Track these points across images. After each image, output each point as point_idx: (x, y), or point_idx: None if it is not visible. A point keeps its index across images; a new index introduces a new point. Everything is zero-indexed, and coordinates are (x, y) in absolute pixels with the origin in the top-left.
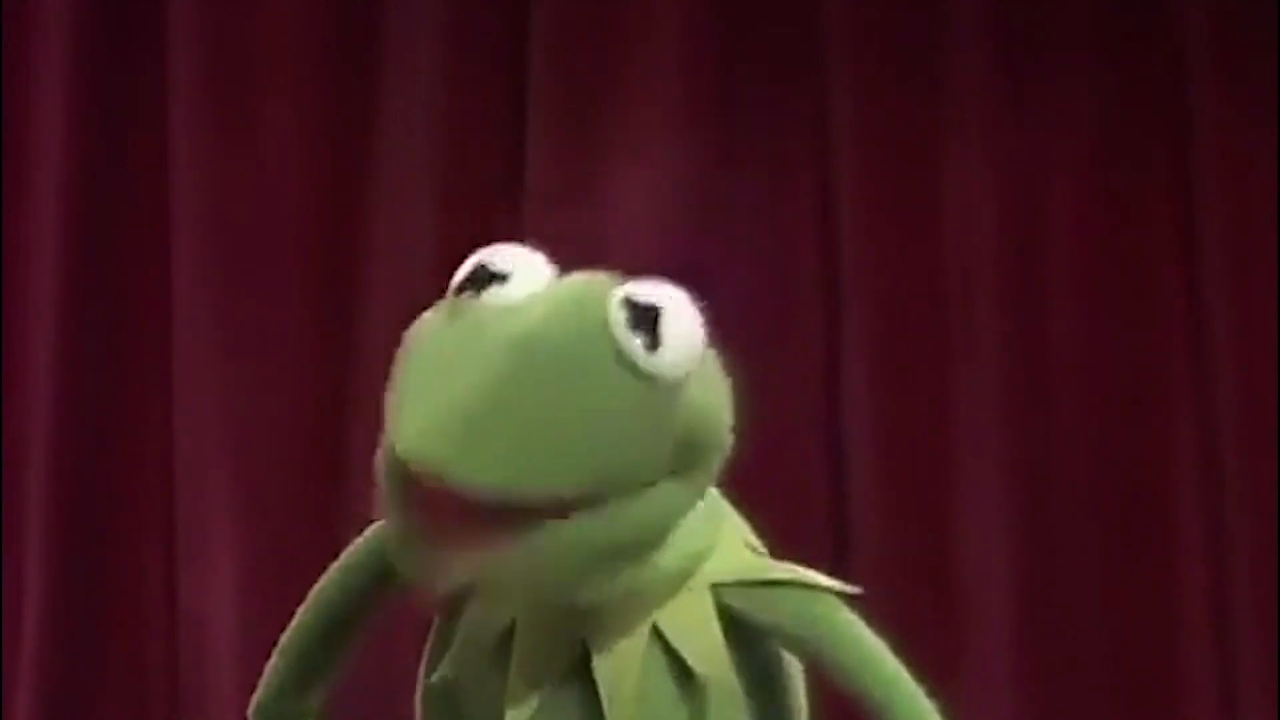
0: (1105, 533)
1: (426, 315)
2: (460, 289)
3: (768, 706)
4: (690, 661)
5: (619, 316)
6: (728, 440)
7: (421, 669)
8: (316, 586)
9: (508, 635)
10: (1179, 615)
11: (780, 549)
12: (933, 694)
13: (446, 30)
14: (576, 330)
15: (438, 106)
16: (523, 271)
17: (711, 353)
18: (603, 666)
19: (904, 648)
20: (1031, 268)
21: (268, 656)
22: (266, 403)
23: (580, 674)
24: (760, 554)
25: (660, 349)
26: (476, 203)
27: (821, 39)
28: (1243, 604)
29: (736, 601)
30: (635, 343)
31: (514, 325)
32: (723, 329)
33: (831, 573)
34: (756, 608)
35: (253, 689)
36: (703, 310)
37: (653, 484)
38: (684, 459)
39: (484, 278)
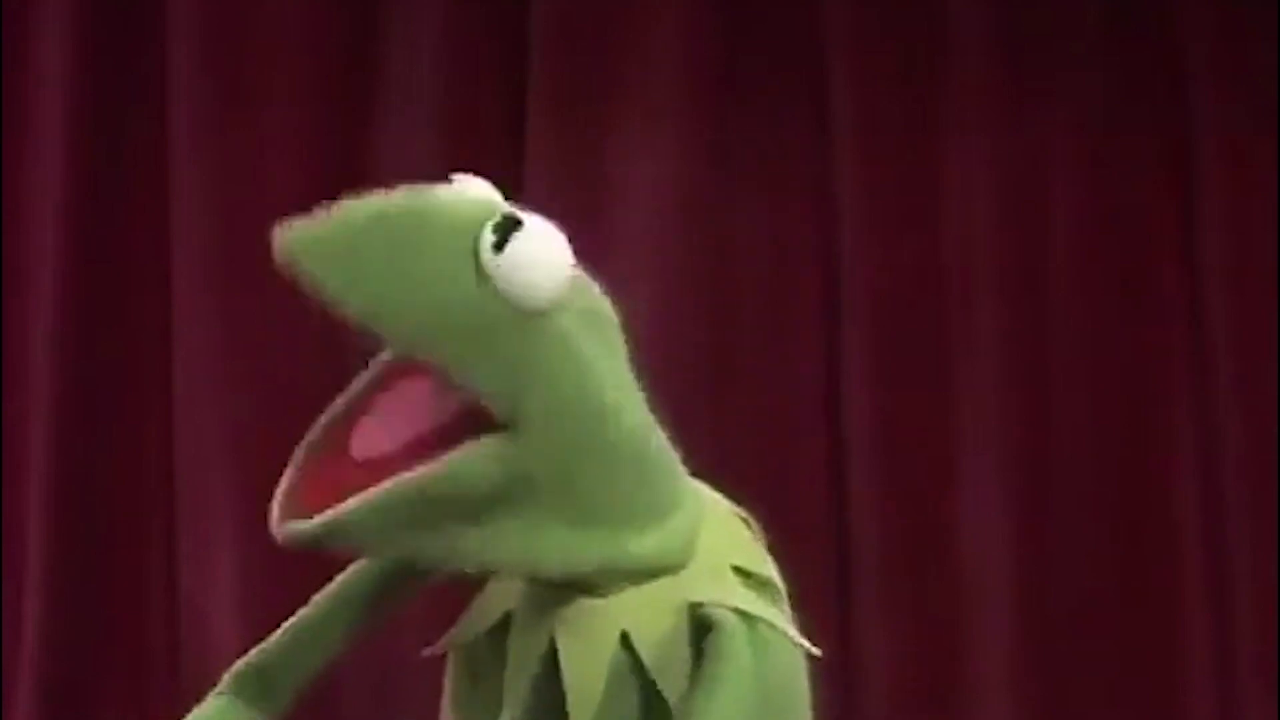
0: (1105, 530)
1: None
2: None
3: None
4: (654, 674)
5: (491, 223)
6: (596, 414)
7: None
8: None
9: (505, 626)
10: (1179, 612)
11: (780, 549)
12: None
13: (446, 30)
14: (457, 211)
15: (438, 106)
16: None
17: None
18: (569, 667)
19: (905, 646)
20: (1032, 266)
21: None
22: (266, 403)
23: (550, 673)
24: (750, 581)
25: (505, 253)
26: None
27: (821, 36)
28: (1243, 599)
29: (707, 619)
30: (488, 239)
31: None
32: (723, 327)
33: (832, 572)
34: (712, 625)
35: None
36: (703, 309)
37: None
38: (521, 409)
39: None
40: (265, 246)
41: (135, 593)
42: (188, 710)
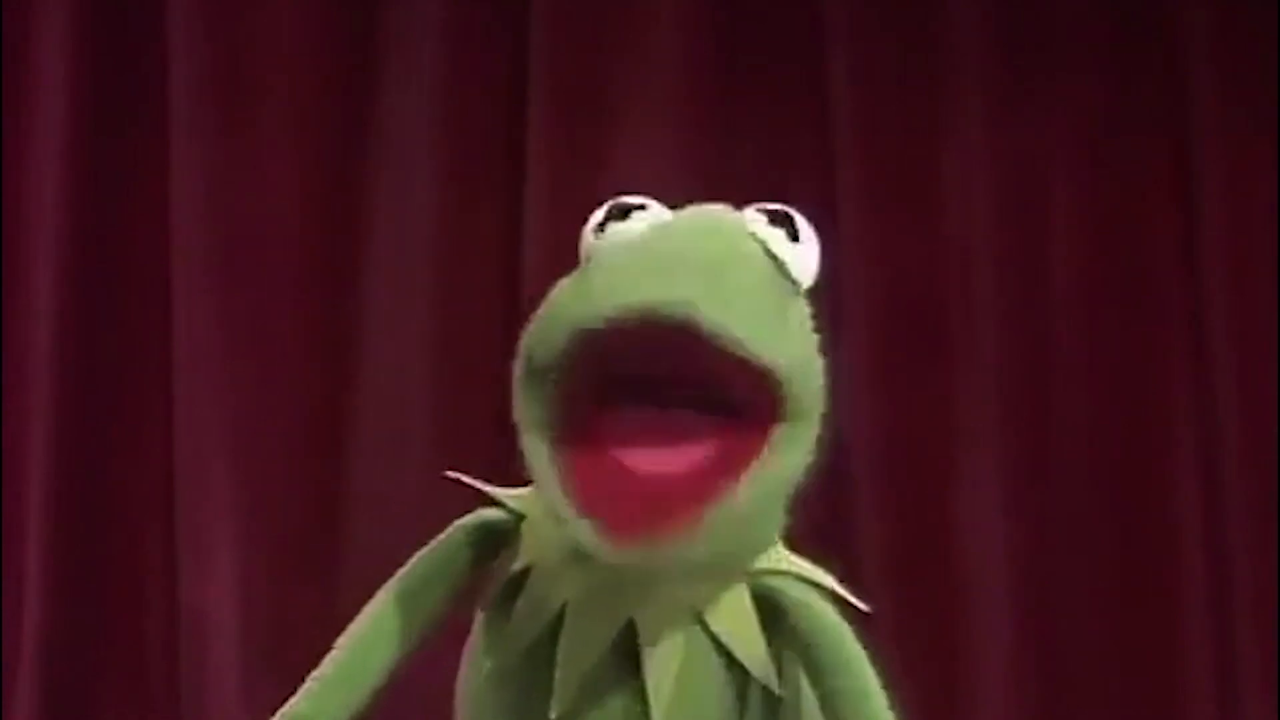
0: (1105, 530)
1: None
2: (599, 228)
3: (789, 703)
4: (731, 648)
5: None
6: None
7: (465, 666)
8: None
9: (558, 621)
10: (1180, 614)
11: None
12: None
13: (446, 30)
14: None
15: (438, 106)
16: (653, 205)
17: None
18: (649, 652)
19: (905, 646)
20: (1032, 266)
21: (268, 654)
22: (266, 402)
23: (625, 661)
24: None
25: (799, 244)
26: (476, 202)
27: (821, 35)
28: (1243, 602)
29: (769, 590)
30: (782, 239)
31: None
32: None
33: (831, 572)
34: (780, 597)
35: (253, 686)
36: None
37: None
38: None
39: (619, 213)
40: (265, 246)
41: (135, 593)
42: (187, 708)
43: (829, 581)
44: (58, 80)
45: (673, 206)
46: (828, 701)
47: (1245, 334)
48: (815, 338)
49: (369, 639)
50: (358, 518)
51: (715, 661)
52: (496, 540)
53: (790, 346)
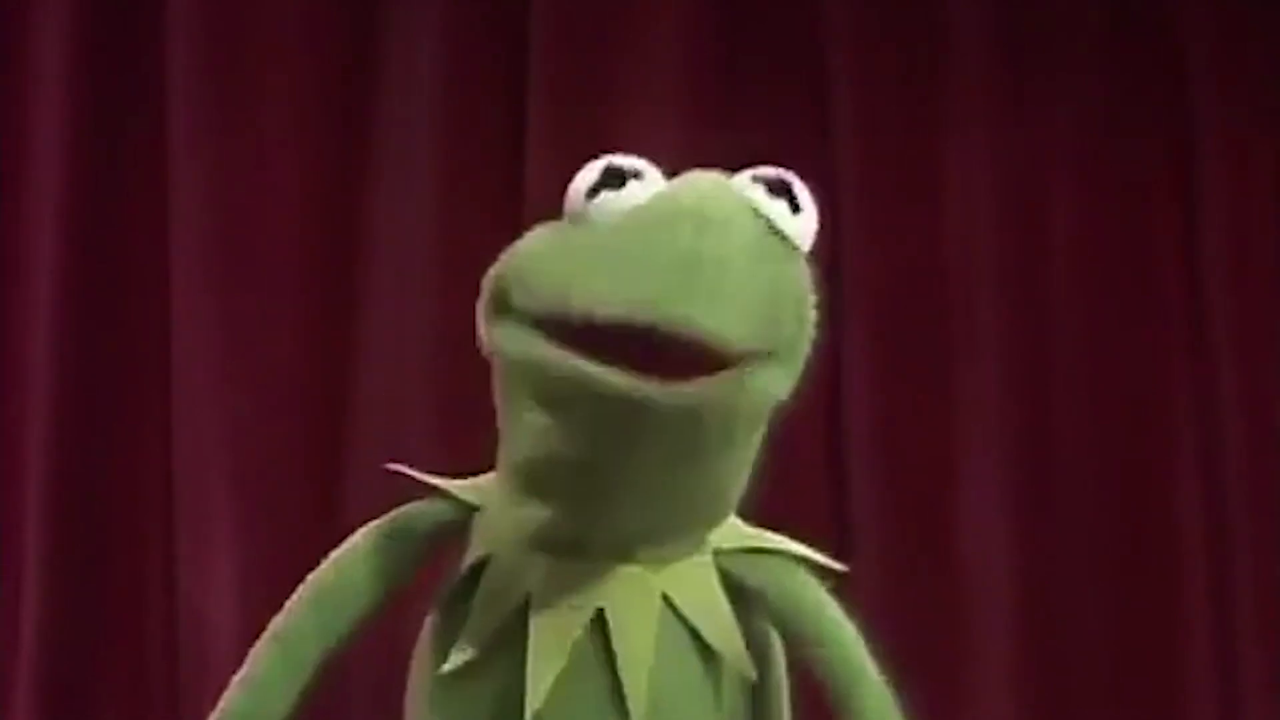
0: (1106, 530)
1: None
2: (592, 191)
3: (761, 679)
4: (702, 630)
5: (759, 193)
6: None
7: (415, 670)
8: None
9: (521, 613)
10: (1181, 614)
11: None
12: (934, 692)
13: (446, 30)
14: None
15: (438, 106)
16: (649, 172)
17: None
18: (622, 643)
19: (905, 646)
20: (1032, 266)
21: None
22: (266, 402)
23: (597, 652)
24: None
25: (800, 214)
26: (476, 202)
27: (822, 36)
28: (1244, 601)
29: (734, 568)
30: (782, 212)
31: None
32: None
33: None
34: (749, 574)
35: None
36: None
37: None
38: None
39: (615, 177)
40: (265, 246)
41: (134, 593)
42: (186, 710)
43: (796, 548)
44: (56, 78)
45: (669, 174)
46: (816, 668)
47: (1245, 334)
48: (812, 298)
49: (294, 639)
50: (358, 518)
51: (689, 647)
52: (441, 534)
53: (785, 328)
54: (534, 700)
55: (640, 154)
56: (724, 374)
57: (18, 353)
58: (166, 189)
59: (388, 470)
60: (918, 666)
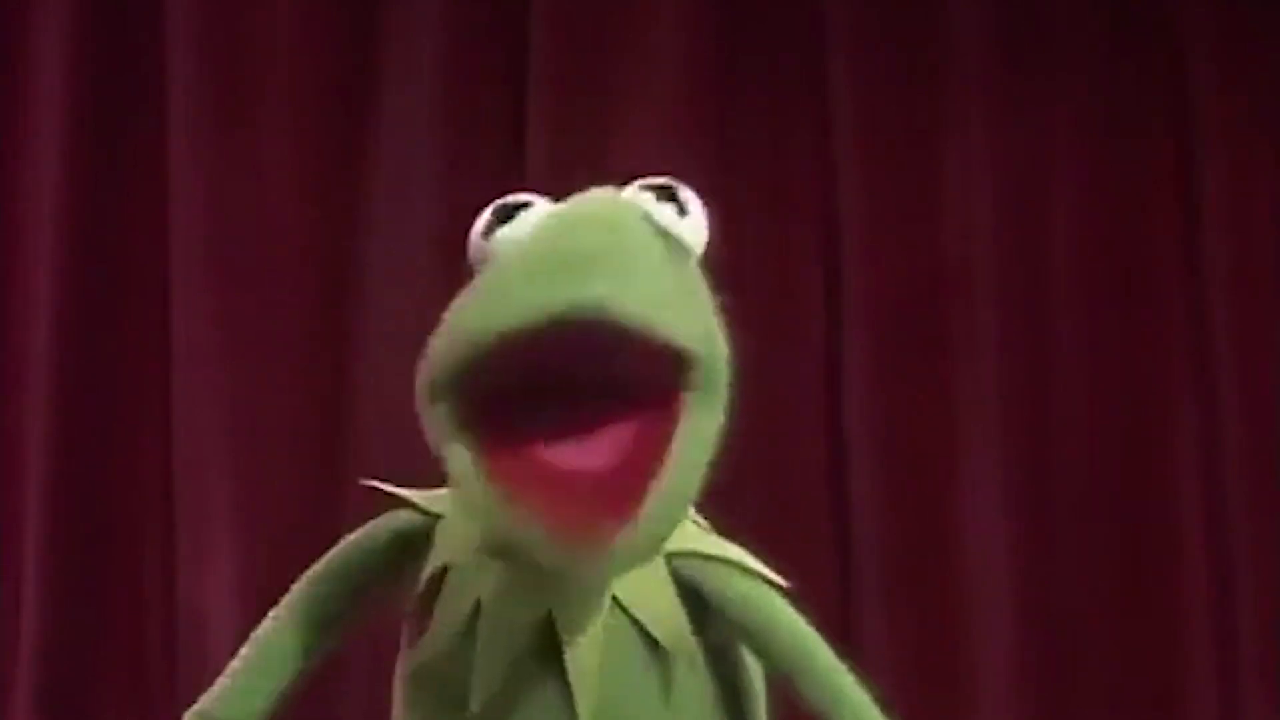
0: (1107, 531)
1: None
2: (487, 231)
3: (725, 680)
4: (652, 630)
5: (647, 199)
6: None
7: (398, 667)
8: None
9: (475, 617)
10: (1181, 614)
11: (781, 548)
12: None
13: (446, 30)
14: (626, 215)
15: (438, 106)
16: (538, 201)
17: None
18: (568, 640)
19: (905, 645)
20: (1033, 265)
21: None
22: (266, 402)
23: (546, 649)
24: (706, 530)
25: (687, 218)
26: (476, 203)
27: (822, 35)
28: (1244, 600)
29: (690, 573)
30: (671, 215)
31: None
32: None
33: (832, 573)
34: (707, 582)
35: None
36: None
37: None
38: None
39: (506, 215)
40: (264, 246)
41: (133, 594)
42: (186, 710)
43: (747, 560)
44: (56, 78)
45: (558, 199)
46: (789, 680)
47: (1246, 333)
48: (713, 302)
49: (275, 642)
50: (357, 518)
51: (638, 646)
52: (408, 543)
53: (696, 320)
54: (475, 702)
55: (640, 153)
56: (627, 516)
57: (18, 352)
58: (166, 189)
59: (362, 485)
60: (918, 666)
